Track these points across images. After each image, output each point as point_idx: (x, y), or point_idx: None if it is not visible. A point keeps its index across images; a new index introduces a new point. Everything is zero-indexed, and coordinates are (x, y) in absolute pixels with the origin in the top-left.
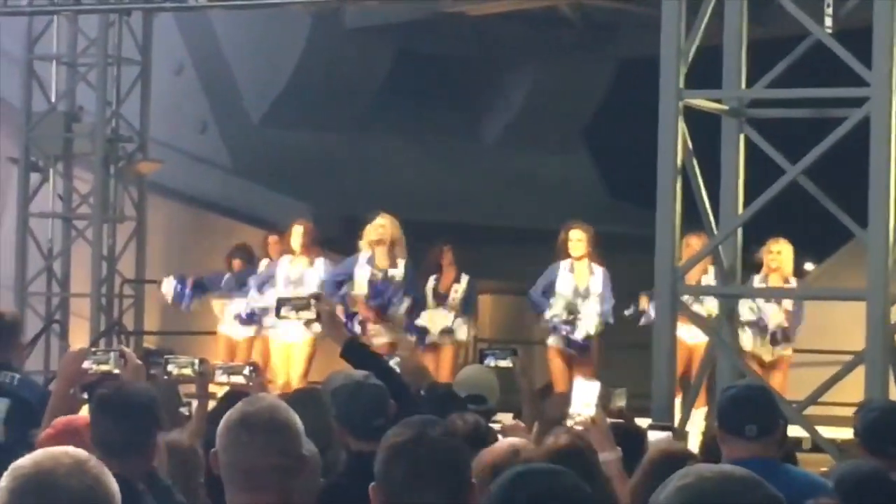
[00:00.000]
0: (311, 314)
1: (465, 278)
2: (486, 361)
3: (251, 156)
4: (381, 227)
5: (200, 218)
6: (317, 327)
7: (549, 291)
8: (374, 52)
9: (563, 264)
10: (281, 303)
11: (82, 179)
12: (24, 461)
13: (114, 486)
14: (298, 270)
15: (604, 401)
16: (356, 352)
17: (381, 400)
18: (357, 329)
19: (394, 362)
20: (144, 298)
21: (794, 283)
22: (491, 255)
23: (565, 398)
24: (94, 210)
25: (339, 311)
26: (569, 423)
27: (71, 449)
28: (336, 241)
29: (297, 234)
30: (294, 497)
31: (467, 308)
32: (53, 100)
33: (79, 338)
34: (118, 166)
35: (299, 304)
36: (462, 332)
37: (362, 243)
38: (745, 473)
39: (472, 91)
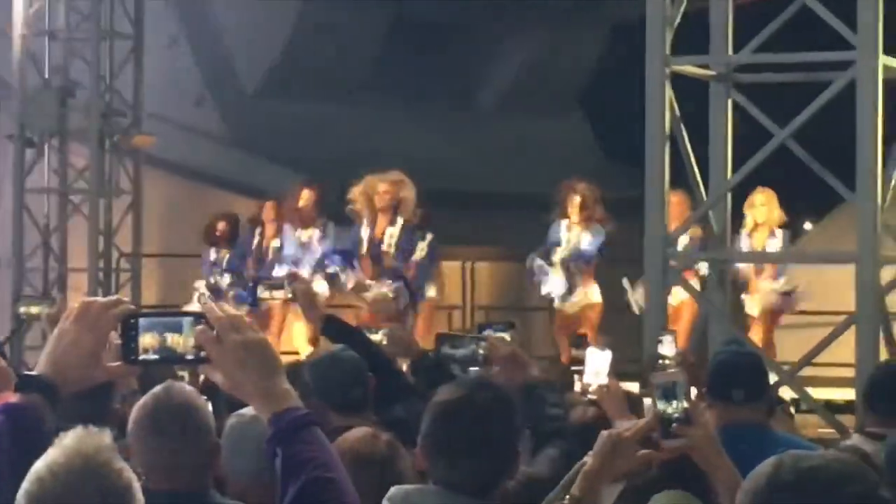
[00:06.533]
0: (287, 293)
1: (429, 236)
2: (483, 333)
3: (247, 127)
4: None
5: (197, 190)
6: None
7: (551, 252)
8: (368, 20)
9: (563, 224)
10: (257, 282)
11: (78, 154)
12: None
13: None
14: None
15: None
16: (335, 329)
17: (357, 370)
18: None
19: (382, 333)
20: (142, 273)
21: (779, 234)
22: (488, 222)
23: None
24: (90, 185)
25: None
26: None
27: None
28: (332, 210)
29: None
30: (211, 481)
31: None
32: (47, 76)
33: None
34: (113, 141)
35: (274, 284)
36: (431, 290)
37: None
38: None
39: (468, 57)
